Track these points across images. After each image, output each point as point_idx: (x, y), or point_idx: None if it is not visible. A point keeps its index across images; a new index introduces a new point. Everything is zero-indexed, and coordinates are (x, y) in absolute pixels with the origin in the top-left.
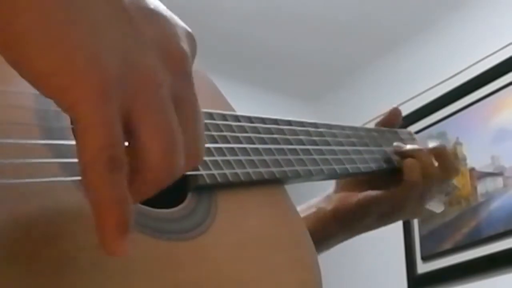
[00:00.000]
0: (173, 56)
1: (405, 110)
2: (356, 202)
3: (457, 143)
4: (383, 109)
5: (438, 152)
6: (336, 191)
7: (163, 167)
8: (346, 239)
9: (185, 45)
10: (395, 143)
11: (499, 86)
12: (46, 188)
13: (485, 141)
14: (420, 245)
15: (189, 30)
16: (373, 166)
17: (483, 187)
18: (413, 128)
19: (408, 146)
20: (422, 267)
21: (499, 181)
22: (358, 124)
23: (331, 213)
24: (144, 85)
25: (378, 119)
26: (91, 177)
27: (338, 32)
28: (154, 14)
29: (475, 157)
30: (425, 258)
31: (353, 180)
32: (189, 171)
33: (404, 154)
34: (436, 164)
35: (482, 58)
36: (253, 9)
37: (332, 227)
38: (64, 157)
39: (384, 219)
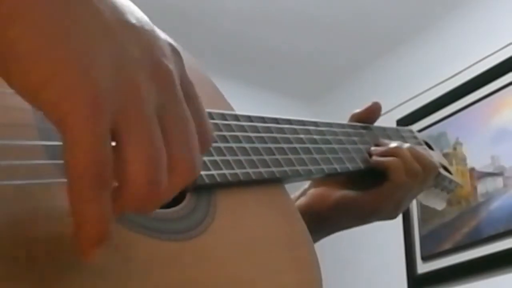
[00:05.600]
0: (158, 72)
1: (405, 110)
2: (334, 201)
3: (457, 143)
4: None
5: (414, 151)
6: (312, 186)
7: (144, 180)
8: (314, 240)
9: (169, 59)
10: (372, 148)
11: (499, 86)
12: (42, 190)
13: (485, 141)
14: (420, 245)
15: (172, 42)
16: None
17: (483, 187)
18: (413, 128)
19: (391, 144)
20: (422, 267)
21: (499, 181)
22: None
23: (304, 207)
24: (131, 100)
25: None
26: (77, 192)
27: (338, 32)
28: (136, 29)
29: (475, 157)
30: (425, 258)
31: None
32: (182, 187)
33: (386, 154)
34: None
35: (482, 58)
36: (253, 9)
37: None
38: (61, 158)
39: (359, 221)
